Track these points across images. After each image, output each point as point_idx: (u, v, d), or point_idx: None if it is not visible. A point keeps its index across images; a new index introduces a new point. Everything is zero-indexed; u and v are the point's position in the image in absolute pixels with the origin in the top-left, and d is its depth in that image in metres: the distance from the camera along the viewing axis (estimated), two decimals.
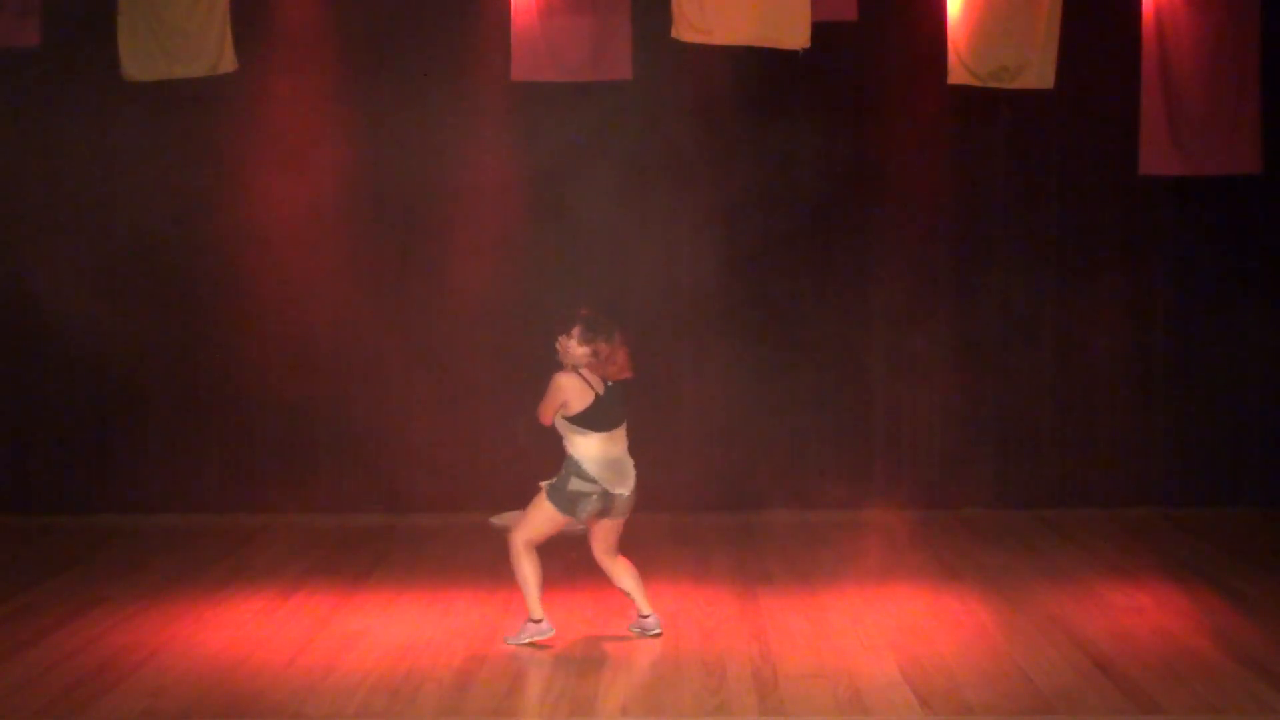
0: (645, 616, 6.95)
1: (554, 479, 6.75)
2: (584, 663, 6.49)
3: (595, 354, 6.68)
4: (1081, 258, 10.08)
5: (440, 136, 10.00)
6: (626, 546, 9.15)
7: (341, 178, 10.03)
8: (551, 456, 9.96)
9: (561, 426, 6.74)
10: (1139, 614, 7.31)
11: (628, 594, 6.96)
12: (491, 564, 8.53)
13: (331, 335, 10.07)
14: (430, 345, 10.07)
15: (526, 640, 6.79)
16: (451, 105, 9.96)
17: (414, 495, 10.08)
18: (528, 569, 6.79)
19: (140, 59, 9.26)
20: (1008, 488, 10.09)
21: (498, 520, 9.82)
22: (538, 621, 6.82)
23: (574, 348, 6.72)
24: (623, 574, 6.95)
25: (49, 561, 8.62)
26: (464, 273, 10.05)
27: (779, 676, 6.30)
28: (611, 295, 9.99)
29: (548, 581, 8.03)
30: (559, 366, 6.79)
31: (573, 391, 6.65)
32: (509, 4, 9.47)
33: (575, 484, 6.67)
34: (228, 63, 9.29)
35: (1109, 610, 7.38)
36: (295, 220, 9.99)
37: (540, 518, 6.75)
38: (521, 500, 9.91)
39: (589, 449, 6.67)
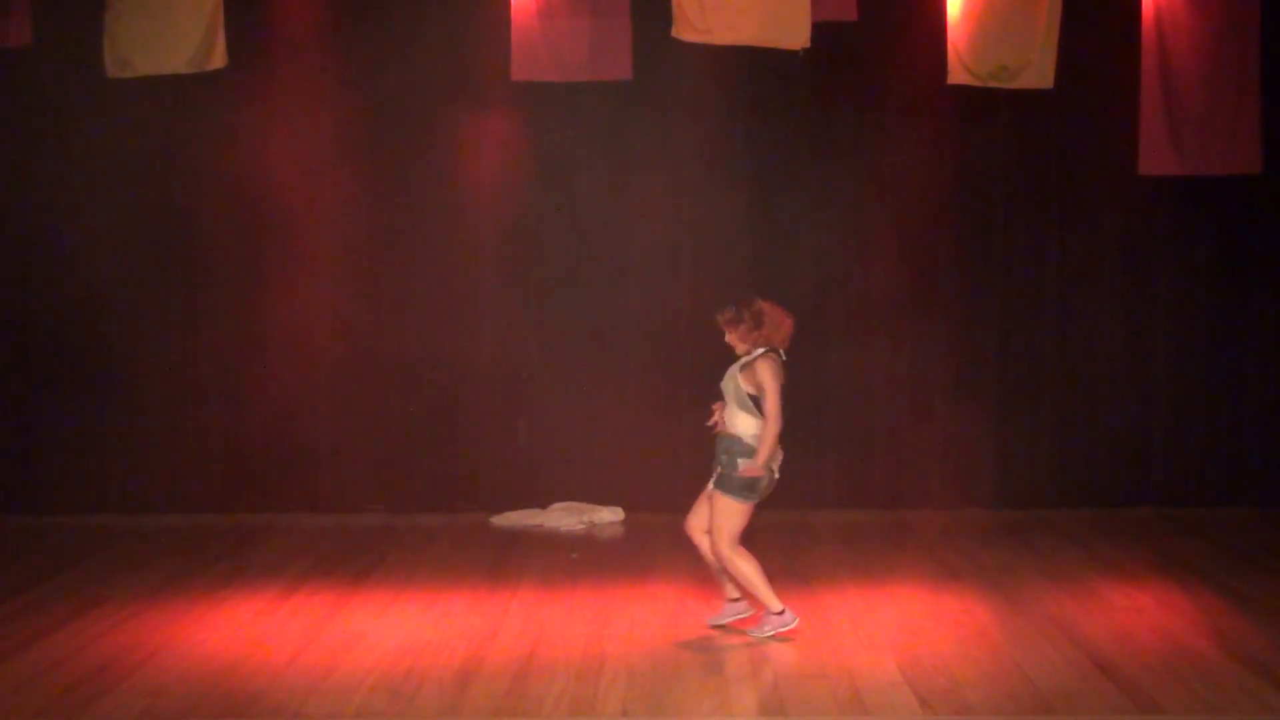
0: (735, 600, 7.01)
1: (717, 474, 6.76)
2: (584, 663, 6.49)
3: (745, 326, 6.75)
4: (1081, 258, 10.09)
5: (440, 136, 10.00)
6: (629, 546, 9.19)
7: (340, 178, 10.03)
8: (551, 457, 10.07)
9: (740, 407, 6.72)
10: (1139, 614, 7.31)
11: (717, 571, 6.98)
12: (491, 564, 8.55)
13: (331, 335, 10.07)
14: (431, 344, 10.07)
15: (770, 633, 6.81)
16: (451, 105, 9.96)
17: (414, 495, 10.09)
18: (746, 568, 6.80)
19: (125, 56, 9.24)
20: (1008, 488, 10.09)
21: (498, 520, 9.85)
22: (779, 613, 6.83)
23: (733, 340, 6.82)
24: (709, 551, 6.96)
25: (49, 561, 8.62)
26: (465, 272, 10.06)
27: (779, 676, 6.30)
28: (611, 295, 10.04)
29: (552, 582, 8.06)
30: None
31: (777, 373, 6.73)
32: (509, 4, 9.48)
33: (744, 465, 6.69)
34: (218, 59, 9.27)
35: (1109, 610, 7.38)
36: (294, 220, 9.99)
37: (729, 517, 6.75)
38: (522, 500, 10.02)
39: (754, 429, 6.72)
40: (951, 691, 6.05)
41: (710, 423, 6.93)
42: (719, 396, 6.95)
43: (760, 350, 6.79)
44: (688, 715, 5.85)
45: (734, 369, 6.85)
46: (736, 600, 7.04)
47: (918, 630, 7.01)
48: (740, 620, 7.03)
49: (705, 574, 7.98)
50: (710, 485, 6.86)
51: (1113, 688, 6.09)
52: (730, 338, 6.86)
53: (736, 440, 6.74)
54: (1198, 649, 6.66)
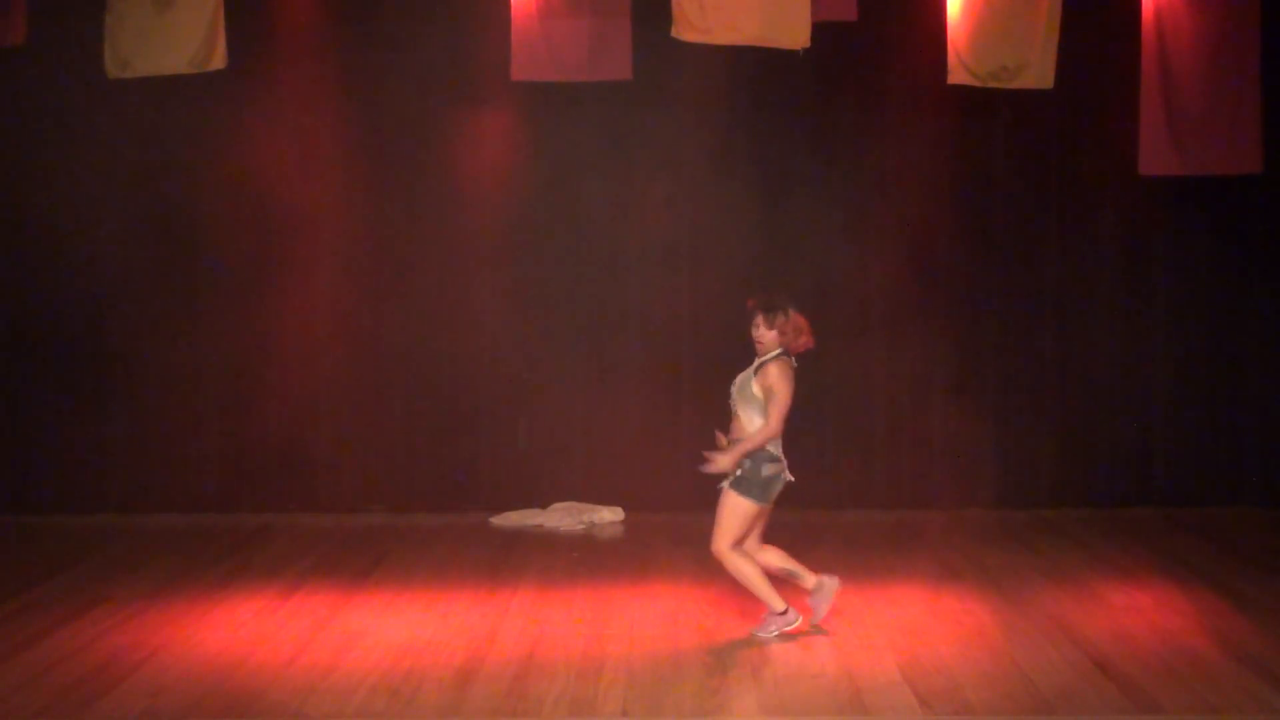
0: (815, 590, 6.97)
1: (735, 475, 6.73)
2: (584, 663, 6.49)
3: (782, 332, 6.77)
4: (1081, 258, 10.09)
5: (440, 136, 10.00)
6: (629, 546, 9.19)
7: (340, 178, 10.03)
8: (552, 457, 10.07)
9: (757, 412, 6.72)
10: (1139, 614, 7.31)
11: (788, 574, 6.96)
12: (491, 564, 8.55)
13: (331, 335, 10.06)
14: (432, 344, 10.07)
15: (775, 632, 6.84)
16: (451, 105, 9.96)
17: (414, 495, 10.09)
18: (746, 568, 6.82)
19: (126, 57, 9.22)
20: (1008, 488, 10.08)
21: (498, 520, 9.85)
22: (782, 613, 6.86)
23: (764, 335, 6.79)
24: (775, 557, 6.97)
25: (49, 561, 8.61)
26: (465, 272, 10.06)
27: (779, 676, 6.30)
28: (612, 295, 10.04)
29: (552, 582, 8.07)
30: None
31: (790, 380, 6.73)
32: (509, 4, 9.48)
33: (768, 469, 6.71)
34: (218, 60, 9.24)
35: (1109, 610, 7.38)
36: (294, 220, 9.99)
37: (736, 517, 6.76)
38: (522, 500, 10.01)
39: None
40: (951, 691, 6.05)
41: (707, 462, 6.80)
42: (719, 397, 6.94)
43: (776, 352, 6.78)
44: (688, 715, 5.85)
45: (745, 376, 6.82)
46: (817, 590, 6.99)
47: (918, 630, 7.01)
48: (831, 601, 6.99)
49: (705, 574, 8.01)
50: (738, 496, 6.76)
51: (1113, 688, 6.09)
52: (760, 334, 6.79)
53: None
54: (1198, 649, 6.66)
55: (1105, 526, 9.52)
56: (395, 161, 10.02)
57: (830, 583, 7.01)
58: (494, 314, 10.09)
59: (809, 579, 7.00)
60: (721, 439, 6.85)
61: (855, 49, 9.83)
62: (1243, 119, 9.55)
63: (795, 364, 6.85)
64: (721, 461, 6.69)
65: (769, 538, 7.09)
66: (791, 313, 6.81)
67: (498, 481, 10.08)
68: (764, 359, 6.79)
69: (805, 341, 6.84)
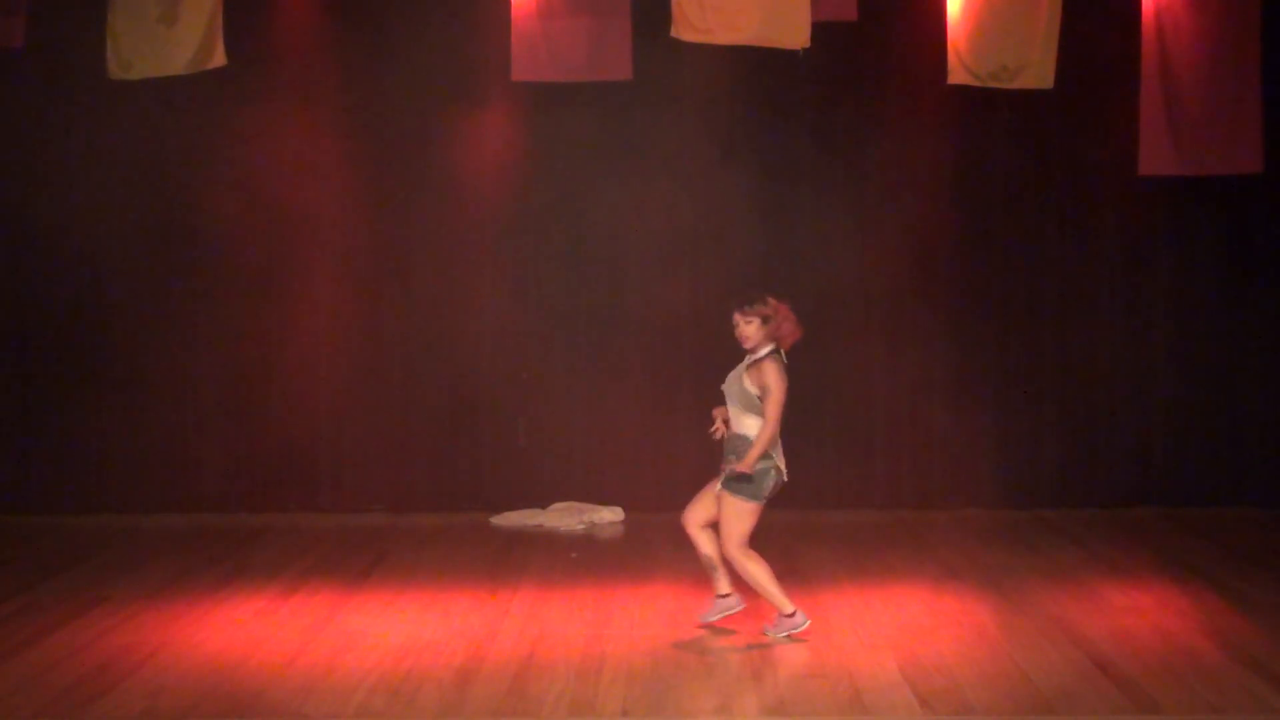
0: (724, 595, 6.94)
1: (725, 474, 6.71)
2: (584, 663, 6.48)
3: (766, 321, 6.71)
4: (1081, 258, 10.09)
5: (440, 136, 10.00)
6: (629, 546, 9.19)
7: (340, 178, 10.04)
8: (552, 457, 10.07)
9: (745, 409, 6.69)
10: (1139, 614, 7.31)
11: (710, 567, 6.92)
12: (491, 564, 8.55)
13: (332, 335, 10.07)
14: (432, 344, 10.07)
15: (784, 634, 6.81)
16: (451, 105, 9.96)
17: (414, 495, 10.09)
18: (756, 570, 6.80)
19: (129, 58, 9.21)
20: (1008, 488, 10.08)
21: (498, 520, 9.85)
22: (790, 615, 6.82)
23: (748, 330, 6.72)
24: (708, 544, 6.92)
25: (49, 561, 8.62)
26: (465, 272, 10.07)
27: (779, 676, 6.30)
28: (611, 295, 10.05)
29: (552, 582, 8.07)
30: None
31: (784, 376, 6.67)
32: (509, 4, 9.48)
33: (755, 465, 6.66)
34: (218, 59, 9.23)
35: (1109, 610, 7.38)
36: (294, 220, 10.00)
37: (736, 518, 6.72)
38: (521, 500, 10.01)
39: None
40: (951, 691, 6.05)
41: (712, 430, 6.90)
42: (719, 397, 6.93)
43: (767, 349, 6.75)
44: (688, 715, 5.85)
45: (738, 370, 6.81)
46: (726, 596, 6.99)
47: (918, 630, 7.01)
48: (729, 617, 6.99)
49: (705, 574, 7.99)
50: (717, 485, 6.82)
51: (1113, 688, 6.09)
52: (745, 332, 6.73)
53: (745, 440, 6.71)
54: (1198, 649, 6.65)
55: (1105, 526, 9.53)
56: (395, 162, 10.03)
57: (737, 604, 6.95)
58: (494, 314, 10.09)
59: (724, 585, 6.95)
60: (719, 413, 6.86)
61: (855, 49, 9.84)
62: (1243, 119, 9.55)
63: (786, 361, 6.80)
64: (743, 465, 6.64)
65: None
66: (770, 300, 6.75)
67: (498, 481, 10.08)
68: (756, 357, 6.75)
69: (791, 330, 6.77)
